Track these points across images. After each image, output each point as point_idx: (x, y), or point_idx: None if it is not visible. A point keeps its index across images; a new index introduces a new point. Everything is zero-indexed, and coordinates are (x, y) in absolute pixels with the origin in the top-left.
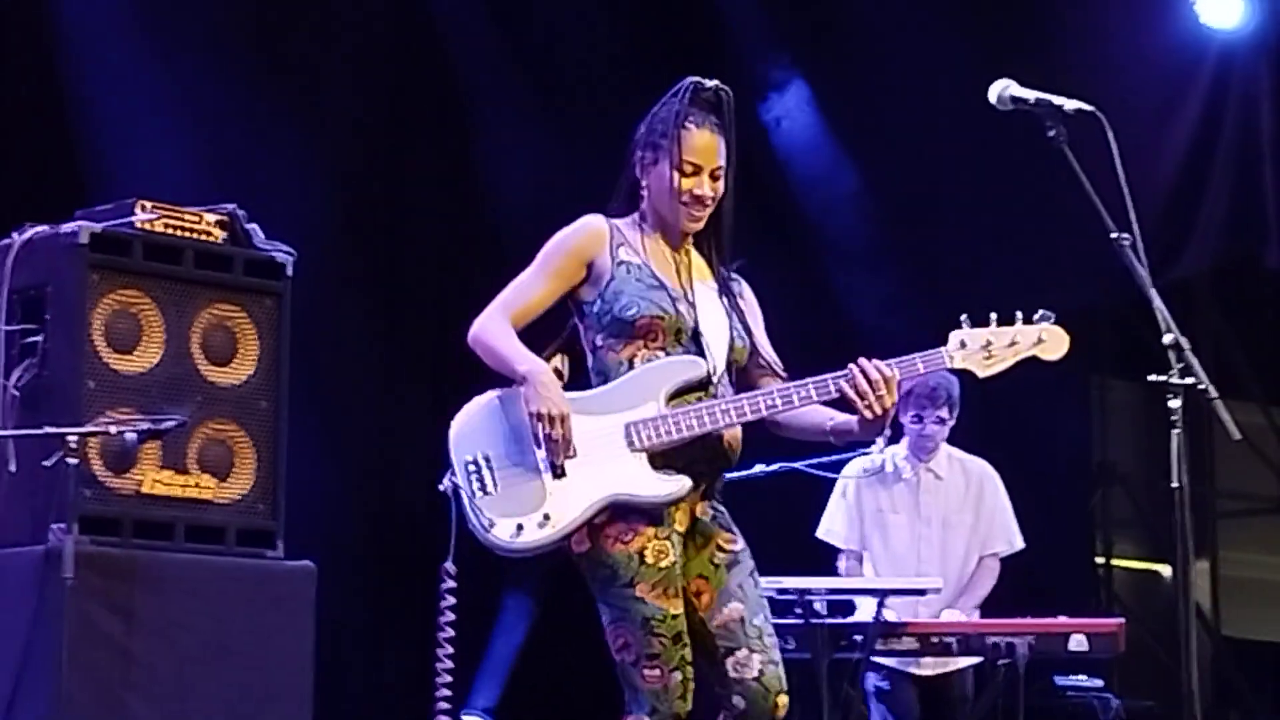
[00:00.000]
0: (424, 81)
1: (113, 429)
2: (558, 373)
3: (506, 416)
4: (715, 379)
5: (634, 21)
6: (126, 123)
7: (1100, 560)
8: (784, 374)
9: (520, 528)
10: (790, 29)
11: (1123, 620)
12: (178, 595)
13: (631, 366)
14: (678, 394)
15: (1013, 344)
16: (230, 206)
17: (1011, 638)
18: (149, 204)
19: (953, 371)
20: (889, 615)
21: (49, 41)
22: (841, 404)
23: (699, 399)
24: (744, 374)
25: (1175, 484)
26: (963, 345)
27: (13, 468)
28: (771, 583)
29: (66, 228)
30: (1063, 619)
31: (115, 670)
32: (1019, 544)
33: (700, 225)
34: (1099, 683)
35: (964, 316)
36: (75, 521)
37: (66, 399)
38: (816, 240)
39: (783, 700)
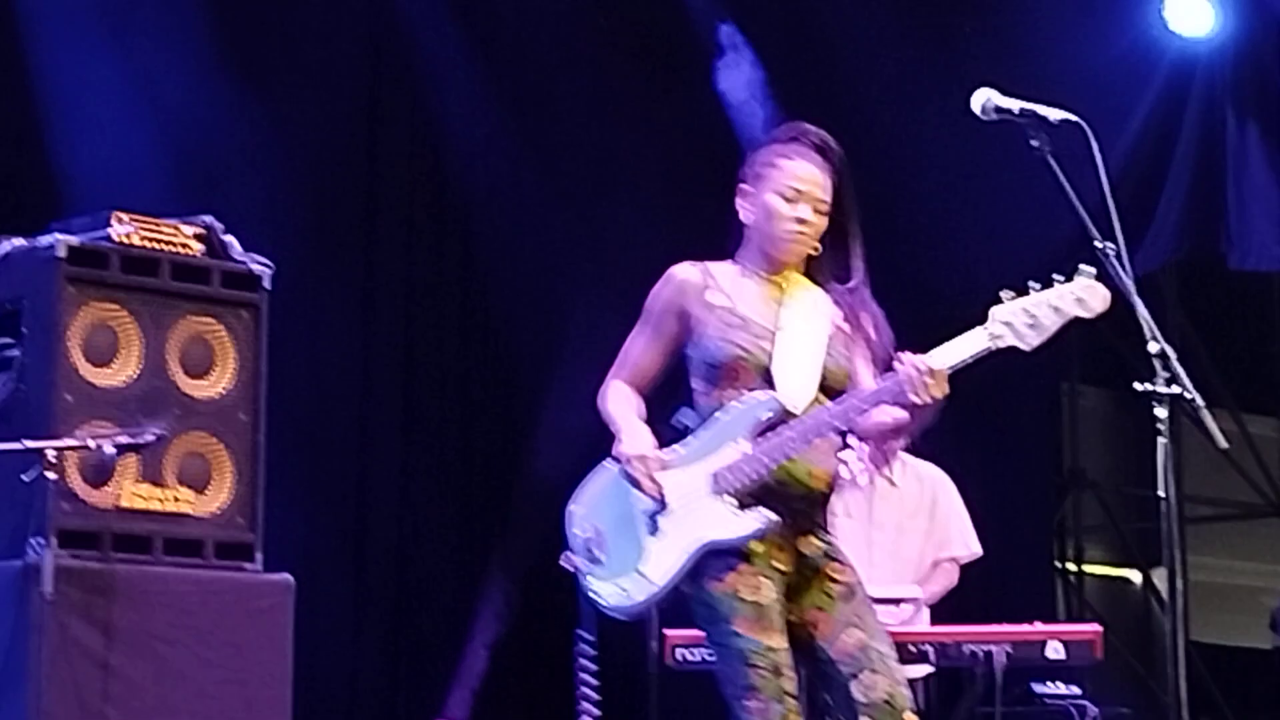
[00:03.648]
0: (396, 89)
1: (91, 443)
2: (686, 429)
3: (613, 487)
4: (800, 411)
5: (605, 22)
6: (98, 133)
7: (1071, 567)
8: None
9: (624, 590)
10: (754, 32)
11: (1100, 628)
12: (157, 609)
13: (724, 409)
14: (763, 432)
15: (1055, 309)
16: (207, 219)
17: (988, 645)
18: (125, 216)
19: (999, 352)
20: None
21: (16, 53)
22: None
23: (781, 434)
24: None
25: (1162, 494)
26: (1005, 323)
27: None
28: None
29: (43, 241)
30: (1039, 626)
31: (94, 684)
32: (976, 549)
33: (798, 256)
34: (1076, 690)
35: (1005, 292)
36: (54, 536)
37: (44, 413)
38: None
39: (909, 718)
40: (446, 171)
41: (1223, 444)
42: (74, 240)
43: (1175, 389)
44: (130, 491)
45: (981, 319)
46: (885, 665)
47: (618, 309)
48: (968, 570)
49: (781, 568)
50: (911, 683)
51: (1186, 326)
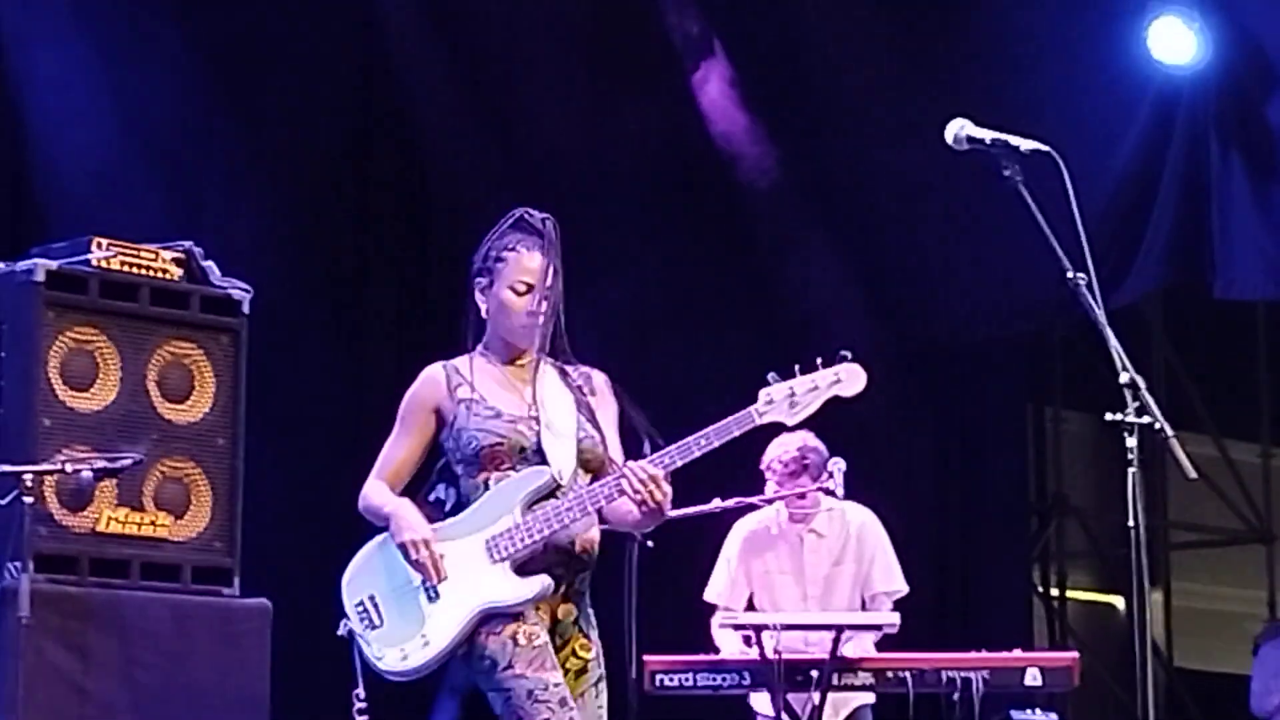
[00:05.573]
0: (383, 116)
1: (69, 467)
2: (440, 502)
3: (386, 557)
4: (565, 482)
5: (590, 47)
6: (82, 158)
7: (1054, 592)
8: None
9: (405, 654)
10: (739, 61)
11: (1077, 654)
12: (134, 633)
13: (488, 488)
14: (534, 504)
15: (813, 389)
16: (187, 244)
17: (967, 672)
18: (105, 241)
19: (763, 426)
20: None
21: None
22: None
23: (551, 505)
24: (601, 473)
25: (1131, 523)
26: (770, 401)
27: None
28: (727, 618)
29: (22, 265)
30: (1018, 653)
31: (71, 708)
32: (899, 586)
33: (537, 340)
34: (1054, 716)
35: (771, 374)
36: (31, 560)
37: (22, 437)
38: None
39: None
40: (434, 193)
41: (1191, 474)
42: (53, 265)
43: (1146, 419)
44: (108, 516)
45: (970, 347)
46: None
47: (600, 325)
48: (947, 597)
49: (545, 622)
50: (860, 710)
51: (1170, 352)
